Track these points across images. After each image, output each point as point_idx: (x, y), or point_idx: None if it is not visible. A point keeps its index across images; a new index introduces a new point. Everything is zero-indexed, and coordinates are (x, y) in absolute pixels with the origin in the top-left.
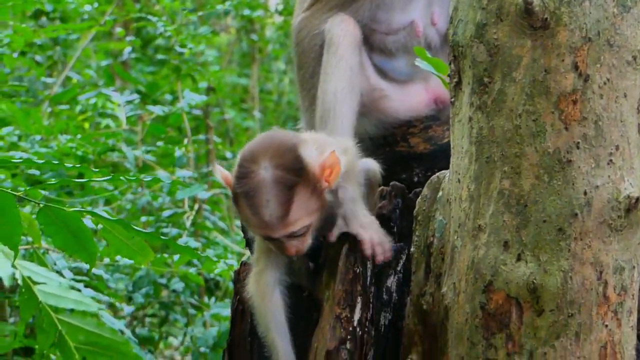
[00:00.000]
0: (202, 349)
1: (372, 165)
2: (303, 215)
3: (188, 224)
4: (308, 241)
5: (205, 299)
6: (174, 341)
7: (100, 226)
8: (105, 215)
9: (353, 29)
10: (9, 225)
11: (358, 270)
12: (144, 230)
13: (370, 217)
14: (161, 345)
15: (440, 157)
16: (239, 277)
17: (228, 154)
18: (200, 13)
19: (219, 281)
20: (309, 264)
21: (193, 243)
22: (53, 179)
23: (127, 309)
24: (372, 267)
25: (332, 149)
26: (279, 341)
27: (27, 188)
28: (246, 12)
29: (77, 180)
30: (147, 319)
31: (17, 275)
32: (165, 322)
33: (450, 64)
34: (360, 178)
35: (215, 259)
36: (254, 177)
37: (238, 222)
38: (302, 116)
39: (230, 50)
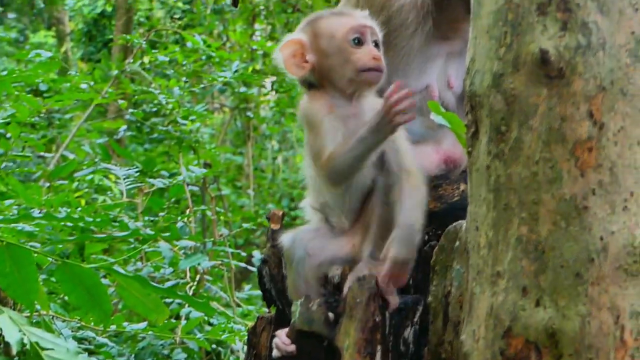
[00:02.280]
0: None
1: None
2: None
3: (190, 294)
4: None
5: None
6: None
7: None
8: (122, 271)
9: None
10: (26, 281)
11: (378, 319)
12: (161, 287)
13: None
14: None
15: (450, 216)
16: (255, 332)
17: (224, 230)
18: (198, 88)
19: (220, 352)
20: (328, 314)
21: (195, 313)
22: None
23: None
24: (390, 317)
25: None
26: None
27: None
28: (242, 89)
29: (102, 237)
30: None
31: (25, 341)
32: None
33: (466, 114)
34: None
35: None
36: None
37: (239, 294)
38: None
39: (225, 129)
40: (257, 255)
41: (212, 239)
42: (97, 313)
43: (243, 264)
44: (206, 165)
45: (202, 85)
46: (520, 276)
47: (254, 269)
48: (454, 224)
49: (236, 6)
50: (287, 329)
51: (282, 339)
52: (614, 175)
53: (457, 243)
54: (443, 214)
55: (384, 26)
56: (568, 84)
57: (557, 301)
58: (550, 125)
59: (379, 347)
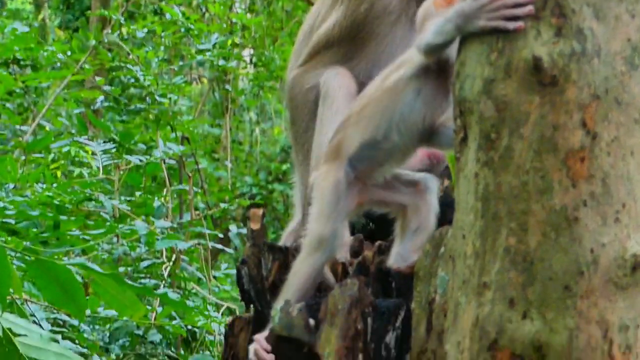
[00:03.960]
0: None
1: None
2: None
3: (165, 274)
4: None
5: (182, 352)
6: None
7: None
8: (97, 268)
9: (349, 82)
10: None
11: (360, 327)
12: (137, 285)
13: None
14: None
15: None
16: (233, 332)
17: (201, 204)
18: (177, 66)
19: (195, 332)
20: (309, 319)
21: (172, 294)
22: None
23: None
24: (372, 322)
25: None
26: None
27: (8, 239)
28: (220, 62)
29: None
30: None
31: None
32: None
33: (455, 119)
34: None
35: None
36: None
37: (216, 273)
38: (296, 170)
39: (203, 100)
40: (233, 229)
41: (189, 220)
42: (71, 309)
43: (220, 246)
44: (184, 139)
45: (181, 63)
46: (508, 287)
47: (231, 250)
48: (439, 229)
49: None
50: (265, 334)
51: (261, 344)
52: (606, 186)
53: (442, 249)
54: None
55: (366, 14)
56: (561, 91)
57: (545, 314)
58: (542, 133)
59: (360, 356)
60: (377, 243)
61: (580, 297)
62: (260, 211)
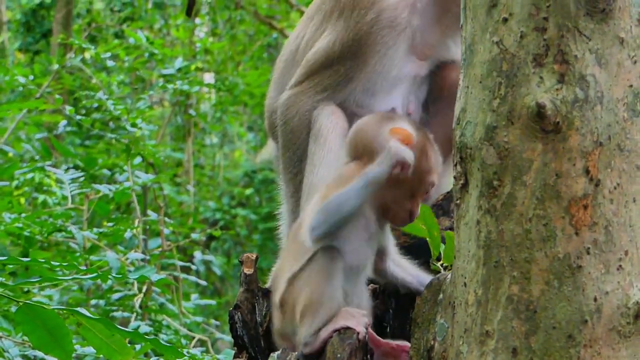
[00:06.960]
0: None
1: None
2: None
3: (137, 305)
4: None
5: None
6: None
7: None
8: (86, 313)
9: (342, 122)
10: None
11: None
12: (126, 330)
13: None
14: None
15: (420, 250)
16: None
17: (166, 231)
18: (139, 89)
19: None
20: None
21: (145, 328)
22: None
23: None
24: None
25: None
26: None
27: None
28: (185, 87)
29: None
30: None
31: None
32: None
33: (455, 165)
34: None
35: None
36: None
37: (186, 303)
38: (284, 202)
39: (165, 124)
40: (198, 256)
41: (161, 251)
42: (58, 354)
43: (194, 278)
44: (149, 165)
45: (151, 92)
46: (511, 337)
47: (204, 283)
48: (437, 275)
49: (189, 15)
50: None
51: None
52: (609, 233)
53: (441, 296)
54: (412, 249)
55: (372, 24)
56: (564, 139)
57: None
58: (544, 181)
59: None
60: (372, 287)
61: (583, 346)
62: (253, 256)
